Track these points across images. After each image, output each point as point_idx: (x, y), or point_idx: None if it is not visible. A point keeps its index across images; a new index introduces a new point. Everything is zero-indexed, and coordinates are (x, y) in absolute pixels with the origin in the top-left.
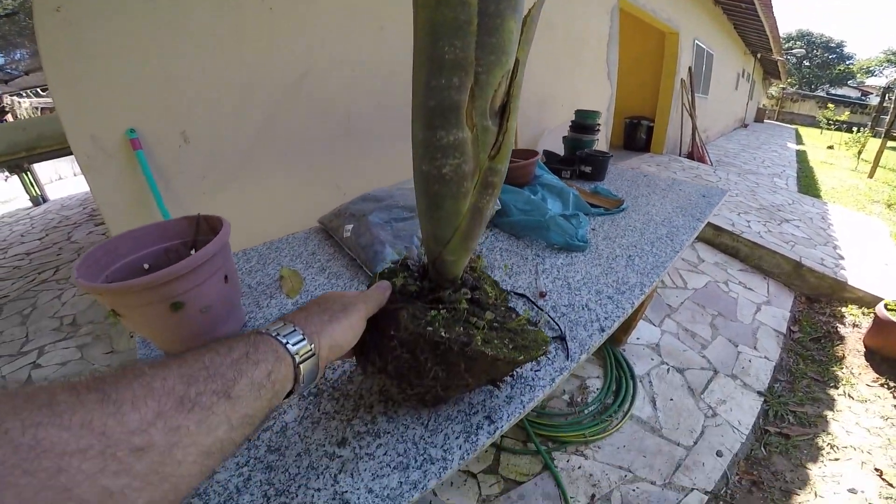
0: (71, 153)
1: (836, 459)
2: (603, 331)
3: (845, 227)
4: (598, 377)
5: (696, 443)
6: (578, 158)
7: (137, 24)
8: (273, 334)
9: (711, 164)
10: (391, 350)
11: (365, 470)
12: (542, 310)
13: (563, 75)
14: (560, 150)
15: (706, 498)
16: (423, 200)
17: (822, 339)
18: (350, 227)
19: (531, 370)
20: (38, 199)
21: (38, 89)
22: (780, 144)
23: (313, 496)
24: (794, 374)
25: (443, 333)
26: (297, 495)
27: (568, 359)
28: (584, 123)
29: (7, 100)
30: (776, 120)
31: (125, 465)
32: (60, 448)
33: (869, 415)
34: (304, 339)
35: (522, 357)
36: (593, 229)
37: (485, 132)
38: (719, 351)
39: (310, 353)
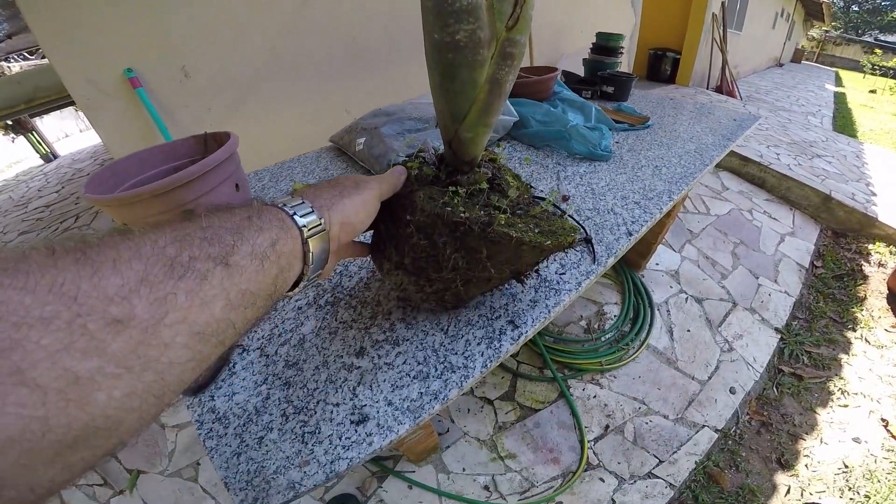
0: (71, 103)
1: (845, 406)
2: (630, 234)
3: (882, 167)
4: (615, 303)
5: (710, 378)
6: (600, 79)
7: None
8: (279, 205)
9: (741, 99)
10: (408, 238)
11: (384, 381)
12: (565, 213)
13: (581, 1)
14: (580, 73)
15: (716, 436)
16: (435, 73)
17: (844, 276)
18: (362, 140)
19: (556, 273)
20: (49, 157)
21: (25, 52)
22: (818, 85)
23: (332, 412)
24: (814, 312)
25: (462, 212)
26: (315, 412)
27: (594, 262)
28: (606, 45)
29: None
30: (815, 62)
31: (97, 342)
32: (18, 316)
33: (883, 362)
34: (312, 211)
35: (550, 242)
36: (616, 142)
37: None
38: (739, 282)
39: (319, 227)
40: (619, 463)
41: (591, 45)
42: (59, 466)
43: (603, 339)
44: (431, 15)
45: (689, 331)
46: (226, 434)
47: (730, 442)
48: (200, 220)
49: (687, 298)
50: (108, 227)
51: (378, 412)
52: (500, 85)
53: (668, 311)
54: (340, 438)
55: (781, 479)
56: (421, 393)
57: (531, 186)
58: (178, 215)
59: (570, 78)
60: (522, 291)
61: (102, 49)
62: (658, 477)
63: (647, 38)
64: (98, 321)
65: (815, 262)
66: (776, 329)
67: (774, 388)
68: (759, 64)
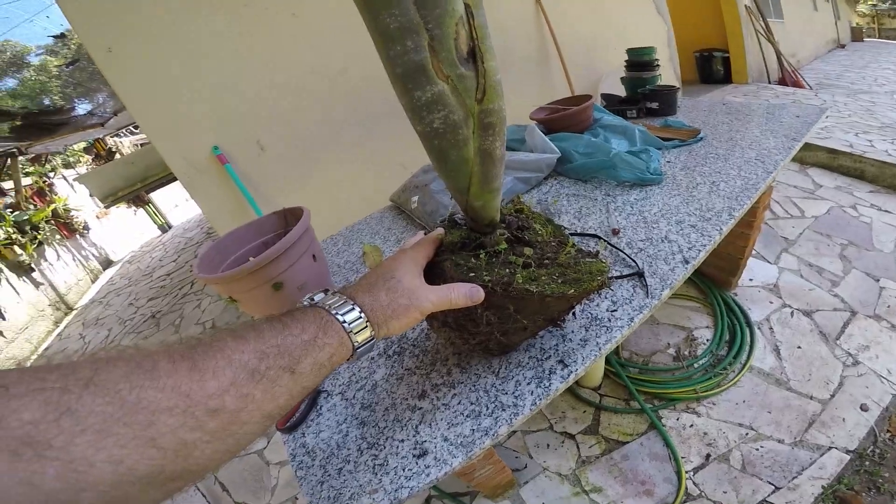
0: (176, 178)
1: None
2: (687, 262)
3: None
4: (707, 327)
5: (833, 396)
6: (642, 96)
7: (194, 53)
8: (340, 320)
9: (810, 88)
10: None
11: (441, 420)
12: (615, 247)
13: (606, 16)
14: (622, 92)
15: (848, 457)
16: (432, 158)
17: None
18: (416, 198)
19: (607, 311)
20: (165, 227)
21: (132, 127)
22: (893, 62)
23: (398, 447)
24: None
25: (485, 277)
26: (384, 447)
27: (648, 296)
28: (639, 61)
29: (111, 141)
30: (878, 38)
31: (200, 422)
32: (154, 406)
33: None
34: (367, 326)
35: (573, 290)
36: (668, 162)
37: (461, 79)
38: (855, 287)
39: (369, 340)
40: (724, 492)
41: (625, 63)
42: (162, 491)
43: (696, 365)
44: (408, 112)
45: (799, 347)
46: (313, 465)
47: (866, 463)
48: (277, 339)
49: (793, 312)
50: (215, 329)
51: (436, 447)
52: (490, 154)
53: (770, 328)
54: (404, 470)
55: None
56: (473, 430)
57: (563, 228)
58: (266, 318)
59: (611, 100)
60: (573, 332)
61: (191, 129)
62: None
63: (689, 41)
64: (202, 410)
65: None
66: None
67: None
68: (819, 49)
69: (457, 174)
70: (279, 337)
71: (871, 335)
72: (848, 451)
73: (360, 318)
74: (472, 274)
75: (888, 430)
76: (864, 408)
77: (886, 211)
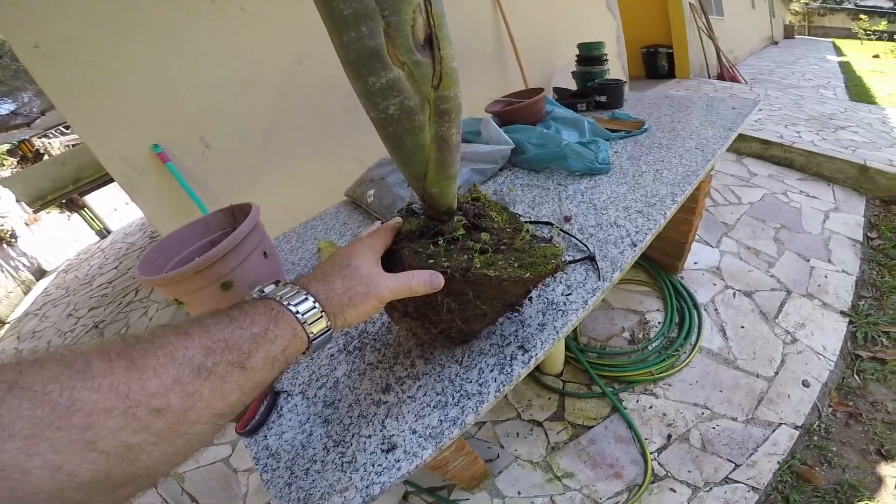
0: (113, 180)
1: None
2: (635, 245)
3: None
4: (658, 310)
5: (777, 373)
6: (592, 90)
7: (129, 47)
8: (293, 310)
9: (746, 83)
10: None
11: (408, 412)
12: (567, 233)
13: (558, 12)
14: (573, 86)
15: (797, 433)
16: (387, 145)
17: None
18: (372, 192)
19: (562, 294)
20: (103, 232)
21: (62, 127)
22: (819, 58)
23: (365, 443)
24: (880, 288)
25: (444, 263)
26: (351, 444)
27: (600, 279)
28: (589, 55)
29: (38, 142)
30: (808, 35)
31: (144, 423)
32: (90, 407)
33: None
34: (322, 316)
35: (529, 274)
36: (615, 152)
37: (417, 66)
38: (789, 268)
39: (325, 331)
40: (689, 471)
41: (577, 57)
42: (111, 497)
43: (650, 347)
44: (362, 97)
45: (743, 327)
46: (278, 467)
47: (815, 438)
48: (224, 332)
49: (734, 294)
50: (153, 326)
51: (404, 440)
52: (446, 140)
53: (715, 309)
54: (374, 466)
55: (886, 470)
56: (441, 420)
57: (518, 216)
58: (212, 312)
59: (563, 93)
60: (531, 317)
61: (127, 127)
62: (737, 481)
63: (636, 38)
64: (144, 410)
65: (868, 234)
66: (842, 312)
67: (856, 376)
68: (754, 45)
69: (413, 161)
70: (226, 331)
71: (805, 313)
72: (796, 427)
73: (315, 307)
74: (432, 261)
75: (829, 405)
76: (805, 384)
77: (814, 196)
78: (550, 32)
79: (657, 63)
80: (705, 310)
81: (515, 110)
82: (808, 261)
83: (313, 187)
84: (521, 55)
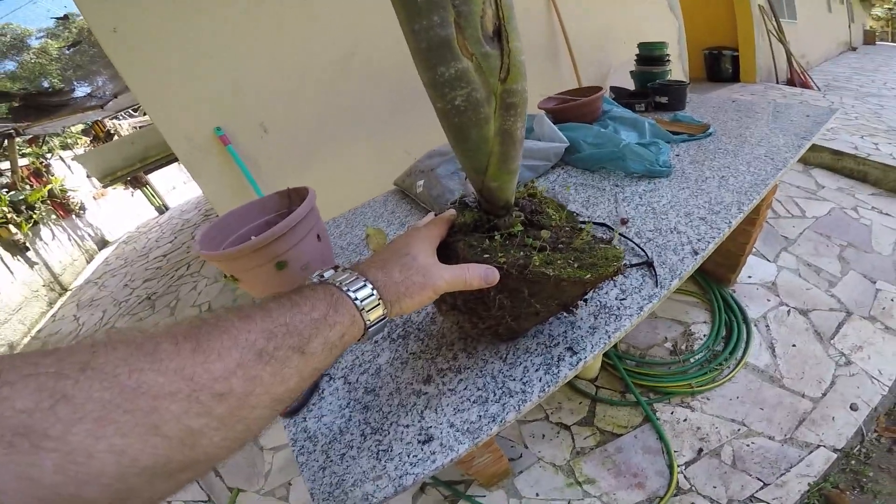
0: (177, 160)
1: None
2: (696, 253)
3: None
4: (705, 322)
5: (824, 394)
6: (652, 90)
7: (198, 33)
8: (352, 296)
9: (819, 90)
10: None
11: (447, 405)
12: (624, 236)
13: (615, 11)
14: (630, 86)
15: (835, 456)
16: (450, 136)
17: None
18: (421, 182)
19: (616, 299)
20: (162, 208)
21: (131, 110)
22: None
23: (402, 432)
24: None
25: (500, 259)
26: (389, 432)
27: (657, 285)
28: (650, 55)
29: (109, 123)
30: (890, 42)
31: (207, 408)
32: (156, 391)
33: None
34: (379, 304)
35: (590, 275)
36: (677, 155)
37: (486, 58)
38: (852, 288)
39: (381, 318)
40: (714, 487)
41: (636, 57)
42: (171, 483)
43: (692, 360)
44: (430, 88)
45: (794, 346)
46: (314, 450)
47: (852, 462)
48: (285, 317)
49: (789, 311)
50: (220, 308)
51: (442, 433)
52: (511, 134)
53: (767, 326)
54: (409, 456)
55: None
56: (480, 416)
57: (576, 214)
58: (274, 296)
59: (620, 93)
60: (582, 319)
61: (194, 110)
62: (762, 500)
63: (699, 39)
64: (207, 394)
65: None
66: None
67: None
68: (830, 51)
69: (476, 153)
70: (287, 315)
71: (864, 336)
72: (835, 450)
73: (373, 295)
74: (487, 255)
75: (875, 430)
76: (853, 407)
77: (887, 214)
78: (606, 31)
79: (721, 66)
80: (755, 325)
81: (571, 108)
82: (875, 283)
83: (362, 175)
84: (575, 52)
